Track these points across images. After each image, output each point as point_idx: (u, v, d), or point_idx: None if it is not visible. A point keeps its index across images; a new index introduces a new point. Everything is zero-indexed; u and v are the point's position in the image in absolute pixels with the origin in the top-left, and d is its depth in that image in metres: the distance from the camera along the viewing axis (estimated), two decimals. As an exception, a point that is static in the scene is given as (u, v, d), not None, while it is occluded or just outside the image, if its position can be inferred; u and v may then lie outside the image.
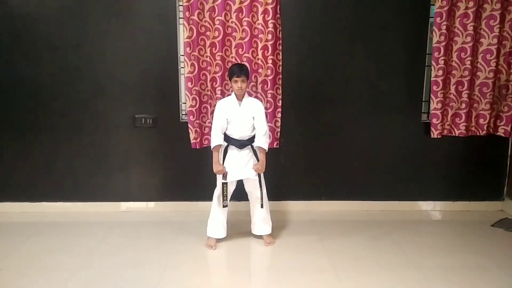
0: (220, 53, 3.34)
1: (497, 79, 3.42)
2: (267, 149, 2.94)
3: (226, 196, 2.91)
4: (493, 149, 3.68)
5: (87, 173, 3.64)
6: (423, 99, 3.61)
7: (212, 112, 3.45)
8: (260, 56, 3.34)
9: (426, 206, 3.76)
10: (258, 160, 2.95)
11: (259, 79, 3.38)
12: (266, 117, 3.04)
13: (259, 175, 2.96)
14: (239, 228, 3.29)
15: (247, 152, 2.95)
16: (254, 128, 2.94)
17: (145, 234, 3.21)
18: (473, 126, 3.53)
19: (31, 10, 3.38)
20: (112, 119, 3.56)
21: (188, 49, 3.29)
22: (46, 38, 3.43)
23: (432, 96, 3.42)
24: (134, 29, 3.44)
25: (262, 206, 3.00)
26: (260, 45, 3.32)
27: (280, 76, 3.43)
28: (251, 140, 2.94)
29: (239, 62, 3.34)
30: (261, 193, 2.98)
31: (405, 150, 3.67)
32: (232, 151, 2.94)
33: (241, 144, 2.93)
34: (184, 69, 3.36)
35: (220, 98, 3.39)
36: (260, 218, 3.07)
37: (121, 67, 3.49)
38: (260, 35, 3.31)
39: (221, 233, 3.04)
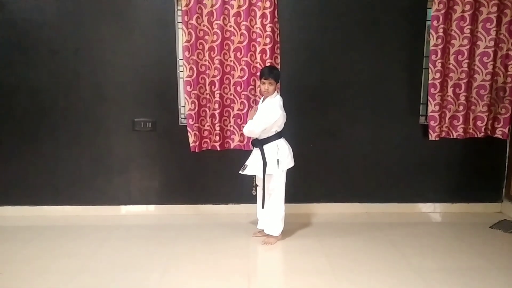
0: (218, 57, 3.36)
1: (494, 82, 3.45)
2: (244, 132, 3.02)
3: (255, 186, 3.12)
4: (491, 151, 3.69)
5: (87, 177, 3.65)
6: (421, 102, 3.62)
7: (211, 116, 3.48)
8: (258, 59, 3.36)
9: (425, 208, 3.77)
10: (264, 162, 2.97)
11: (258, 83, 3.40)
12: (269, 115, 2.92)
13: (264, 177, 2.99)
14: (238, 231, 3.30)
15: (258, 151, 3.02)
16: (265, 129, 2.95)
17: (145, 237, 3.22)
18: (471, 128, 3.55)
19: (30, 15, 3.41)
20: (111, 123, 3.58)
21: (187, 53, 3.31)
22: (45, 42, 3.45)
23: (429, 98, 3.44)
24: (133, 34, 3.46)
25: (263, 207, 3.07)
26: (258, 49, 3.34)
27: (279, 79, 3.46)
28: (262, 141, 2.99)
29: (239, 65, 3.37)
30: (263, 194, 3.04)
31: (404, 153, 3.68)
32: (254, 147, 3.09)
33: (254, 142, 3.06)
34: (183, 73, 3.38)
35: (219, 102, 3.43)
36: (266, 214, 3.10)
37: (120, 71, 3.51)
38: (258, 39, 3.33)
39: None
